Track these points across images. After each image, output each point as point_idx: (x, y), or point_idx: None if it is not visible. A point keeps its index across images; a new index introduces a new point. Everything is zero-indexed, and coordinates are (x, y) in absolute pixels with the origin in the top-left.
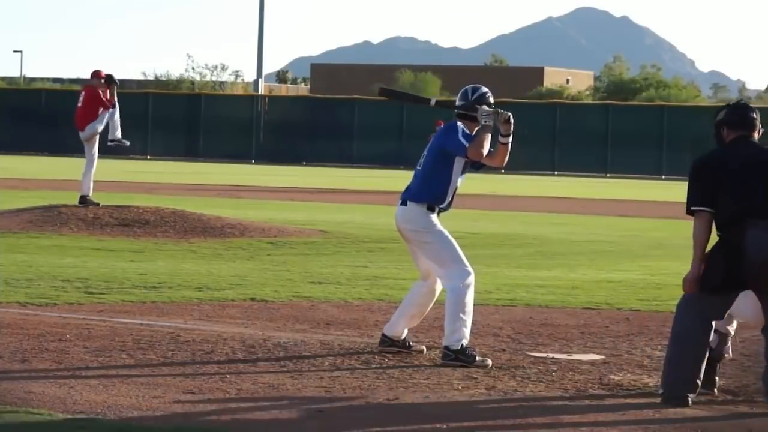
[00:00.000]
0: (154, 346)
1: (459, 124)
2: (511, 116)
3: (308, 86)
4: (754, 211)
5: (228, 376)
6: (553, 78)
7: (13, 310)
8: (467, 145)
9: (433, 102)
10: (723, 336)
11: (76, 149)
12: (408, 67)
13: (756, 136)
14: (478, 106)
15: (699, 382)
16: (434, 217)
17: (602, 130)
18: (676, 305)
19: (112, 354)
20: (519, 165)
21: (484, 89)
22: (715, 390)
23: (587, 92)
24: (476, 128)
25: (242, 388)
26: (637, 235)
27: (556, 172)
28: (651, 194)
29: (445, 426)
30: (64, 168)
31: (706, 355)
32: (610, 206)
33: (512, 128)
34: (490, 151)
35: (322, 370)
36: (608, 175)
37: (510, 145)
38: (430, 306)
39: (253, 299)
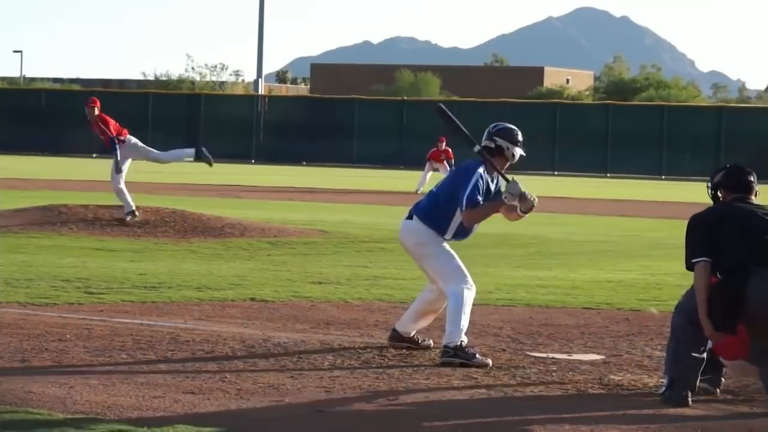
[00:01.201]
0: (154, 346)
1: (480, 169)
2: (533, 209)
3: (308, 86)
4: (758, 258)
5: (228, 376)
6: (553, 78)
7: (13, 310)
8: (464, 208)
9: (476, 149)
10: None
11: (76, 149)
12: (408, 67)
13: (753, 198)
14: (513, 188)
15: (698, 381)
16: (437, 235)
17: (602, 130)
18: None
19: (112, 354)
20: (519, 165)
21: (509, 126)
22: (718, 390)
23: (587, 92)
24: (503, 163)
25: (242, 388)
26: (637, 235)
27: (556, 172)
28: (651, 194)
29: (445, 426)
30: (64, 168)
31: (705, 354)
32: (610, 206)
33: (528, 212)
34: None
35: (322, 370)
36: (608, 175)
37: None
38: (443, 307)
39: (253, 299)
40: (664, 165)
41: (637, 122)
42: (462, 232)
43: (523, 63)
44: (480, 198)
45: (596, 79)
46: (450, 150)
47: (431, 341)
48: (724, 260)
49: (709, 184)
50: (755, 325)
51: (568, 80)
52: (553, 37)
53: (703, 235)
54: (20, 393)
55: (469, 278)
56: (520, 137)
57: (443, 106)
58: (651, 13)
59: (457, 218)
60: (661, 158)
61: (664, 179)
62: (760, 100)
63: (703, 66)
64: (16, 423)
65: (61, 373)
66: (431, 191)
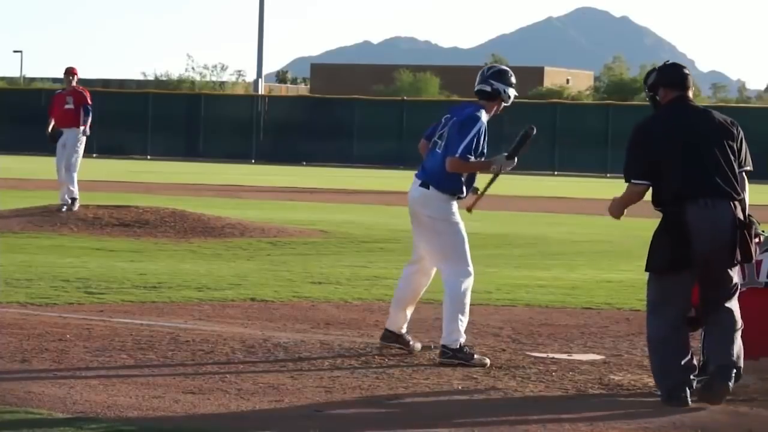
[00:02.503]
0: (154, 346)
1: (484, 118)
2: (508, 168)
3: (308, 86)
4: (694, 190)
5: (228, 376)
6: (553, 78)
7: (13, 310)
8: (457, 155)
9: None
10: None
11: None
12: (408, 67)
13: (690, 94)
14: (504, 162)
15: (692, 379)
16: (455, 205)
17: (602, 130)
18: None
19: (112, 354)
20: (519, 165)
21: (502, 68)
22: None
23: (587, 92)
24: (494, 107)
25: (242, 388)
26: (637, 235)
27: (556, 172)
28: (651, 194)
29: (445, 426)
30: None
31: (690, 351)
32: None
33: (500, 172)
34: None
35: (322, 370)
36: (608, 175)
37: (472, 169)
38: (425, 287)
39: (253, 299)
40: None
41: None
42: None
43: (523, 63)
44: (471, 157)
45: (596, 79)
46: None
47: (420, 344)
48: (661, 189)
49: (645, 89)
50: (701, 257)
51: (568, 80)
52: (553, 37)
53: (643, 152)
54: (20, 393)
55: (471, 266)
56: (513, 78)
57: (534, 131)
58: (651, 13)
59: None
60: None
61: None
62: (760, 100)
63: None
64: (16, 423)
65: (61, 373)
66: (436, 151)
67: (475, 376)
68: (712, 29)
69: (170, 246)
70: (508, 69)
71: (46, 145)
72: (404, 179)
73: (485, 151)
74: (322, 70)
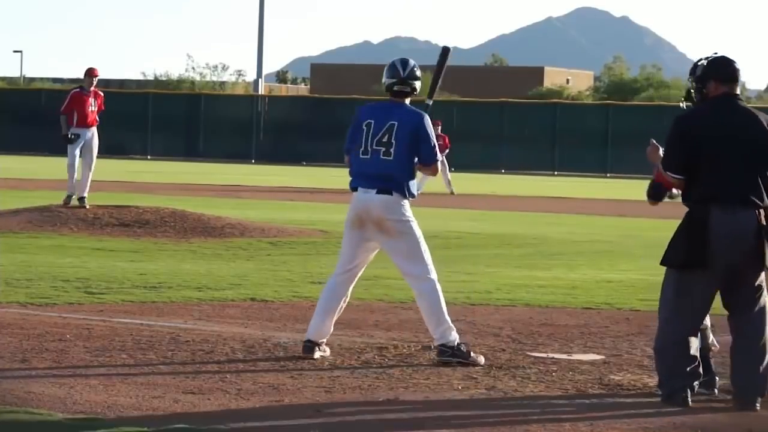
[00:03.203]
0: (154, 346)
1: (428, 121)
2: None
3: (308, 86)
4: (721, 194)
5: (228, 376)
6: (553, 78)
7: (13, 310)
8: (438, 160)
9: (429, 102)
10: (702, 331)
11: None
12: None
13: (738, 89)
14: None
15: (695, 381)
16: (409, 206)
17: (602, 130)
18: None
19: (112, 354)
20: (519, 165)
21: (413, 63)
22: (716, 390)
23: (587, 92)
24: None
25: (242, 388)
26: (637, 235)
27: (556, 172)
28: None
29: (445, 426)
30: (64, 168)
31: (698, 354)
32: (610, 206)
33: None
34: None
35: (322, 370)
36: (608, 175)
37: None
38: (347, 298)
39: (253, 299)
40: None
41: (637, 122)
42: None
43: (523, 63)
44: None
45: (596, 79)
46: (446, 137)
47: (328, 350)
48: (691, 185)
49: (691, 80)
50: (716, 264)
51: (568, 80)
52: (553, 37)
53: (682, 146)
54: (20, 393)
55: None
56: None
57: (450, 50)
58: (651, 13)
59: (417, 174)
60: None
61: None
62: (760, 100)
63: None
64: (16, 423)
65: (61, 373)
66: (379, 158)
67: (475, 376)
68: (712, 29)
69: (170, 246)
70: (411, 61)
71: (45, 145)
72: None
73: None
74: (322, 70)
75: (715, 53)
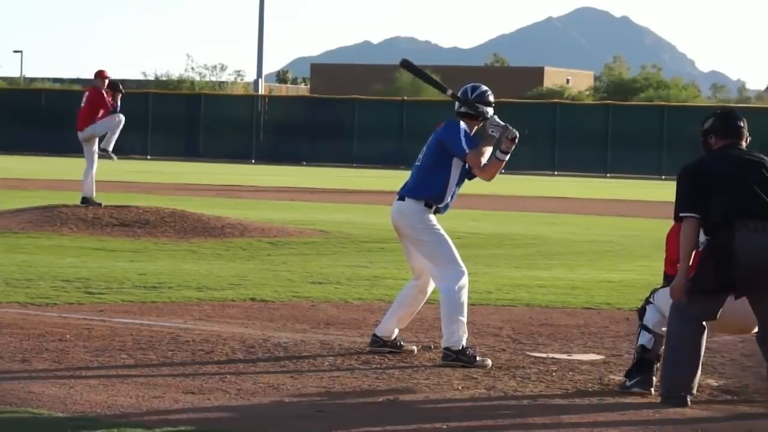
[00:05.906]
0: (154, 346)
1: (462, 123)
2: (518, 137)
3: (308, 86)
4: (743, 211)
5: (228, 376)
6: (553, 78)
7: (13, 310)
8: (467, 151)
9: (449, 92)
10: (659, 336)
11: (76, 149)
12: None
13: (743, 144)
14: (489, 116)
15: (696, 384)
16: (432, 215)
17: (602, 130)
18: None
19: (112, 354)
20: (519, 165)
21: (484, 88)
22: (652, 390)
23: (587, 92)
24: (475, 126)
25: (242, 388)
26: (637, 235)
27: (556, 172)
28: (651, 194)
29: (445, 426)
30: (64, 168)
31: (701, 357)
32: (610, 206)
33: (513, 148)
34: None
35: (322, 370)
36: (608, 175)
37: (504, 163)
38: (420, 306)
39: (253, 299)
40: (664, 165)
41: (637, 122)
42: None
43: (523, 63)
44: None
45: (596, 79)
46: None
47: (414, 347)
48: (710, 214)
49: (702, 132)
50: (748, 280)
51: (568, 80)
52: (553, 37)
53: (691, 187)
54: (20, 393)
55: (463, 266)
56: (491, 97)
57: (408, 60)
58: (651, 13)
59: (451, 184)
60: (660, 158)
61: (664, 179)
62: (760, 100)
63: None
64: (16, 423)
65: (61, 373)
66: (415, 166)
67: (475, 376)
68: (712, 29)
69: (170, 246)
70: (487, 88)
71: (46, 145)
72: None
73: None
74: (322, 70)
75: (723, 110)
